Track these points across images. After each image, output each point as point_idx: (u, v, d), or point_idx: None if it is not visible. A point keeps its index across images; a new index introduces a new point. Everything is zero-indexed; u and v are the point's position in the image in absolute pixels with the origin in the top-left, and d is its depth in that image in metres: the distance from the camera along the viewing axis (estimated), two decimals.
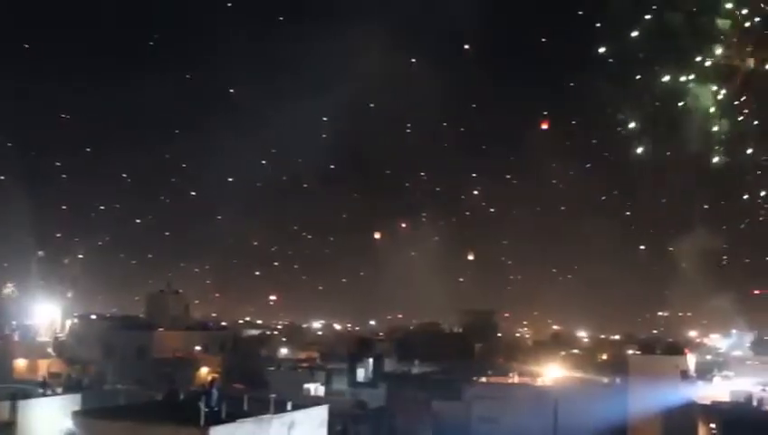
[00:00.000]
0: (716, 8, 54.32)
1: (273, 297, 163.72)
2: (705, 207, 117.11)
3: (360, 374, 79.82)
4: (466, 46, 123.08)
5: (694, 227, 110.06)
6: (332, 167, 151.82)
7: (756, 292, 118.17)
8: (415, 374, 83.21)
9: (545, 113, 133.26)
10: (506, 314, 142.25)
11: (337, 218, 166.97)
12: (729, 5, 54.03)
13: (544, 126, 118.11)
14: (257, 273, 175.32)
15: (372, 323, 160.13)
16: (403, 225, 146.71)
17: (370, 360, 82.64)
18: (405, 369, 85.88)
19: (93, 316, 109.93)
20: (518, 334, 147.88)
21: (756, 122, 61.12)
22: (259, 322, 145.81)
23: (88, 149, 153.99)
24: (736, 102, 60.60)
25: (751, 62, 59.71)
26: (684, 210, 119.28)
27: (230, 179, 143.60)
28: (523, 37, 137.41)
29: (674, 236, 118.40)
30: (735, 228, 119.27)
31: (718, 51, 58.26)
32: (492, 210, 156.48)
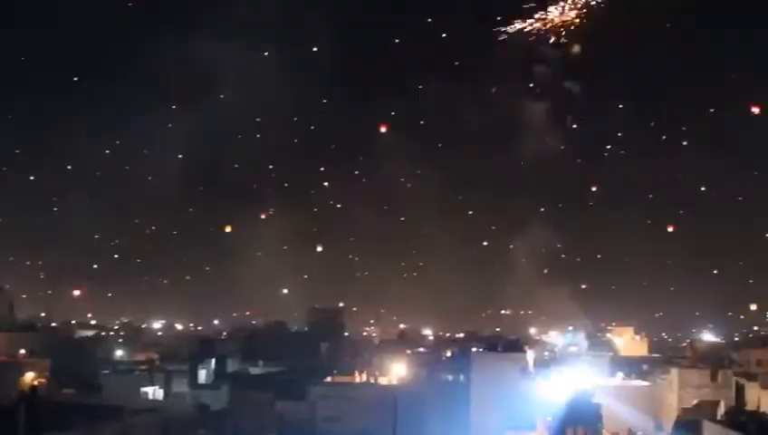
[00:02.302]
0: None
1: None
2: (542, 209, 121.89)
3: (202, 376, 77.98)
4: (315, 49, 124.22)
5: (532, 226, 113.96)
6: (180, 157, 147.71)
7: (583, 286, 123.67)
8: (259, 375, 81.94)
9: (393, 113, 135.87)
10: (354, 309, 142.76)
11: (182, 213, 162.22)
12: None
13: (383, 128, 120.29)
14: (95, 267, 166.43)
15: (216, 322, 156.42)
16: (250, 220, 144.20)
17: (212, 360, 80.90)
18: (249, 369, 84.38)
19: None
20: (365, 333, 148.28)
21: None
22: (94, 322, 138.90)
23: None
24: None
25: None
26: (523, 210, 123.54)
27: (69, 167, 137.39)
28: (376, 39, 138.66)
29: (514, 236, 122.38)
30: (570, 228, 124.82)
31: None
32: (339, 206, 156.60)
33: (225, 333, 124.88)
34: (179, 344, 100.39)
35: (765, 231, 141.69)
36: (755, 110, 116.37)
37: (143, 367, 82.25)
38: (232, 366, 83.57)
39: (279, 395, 67.64)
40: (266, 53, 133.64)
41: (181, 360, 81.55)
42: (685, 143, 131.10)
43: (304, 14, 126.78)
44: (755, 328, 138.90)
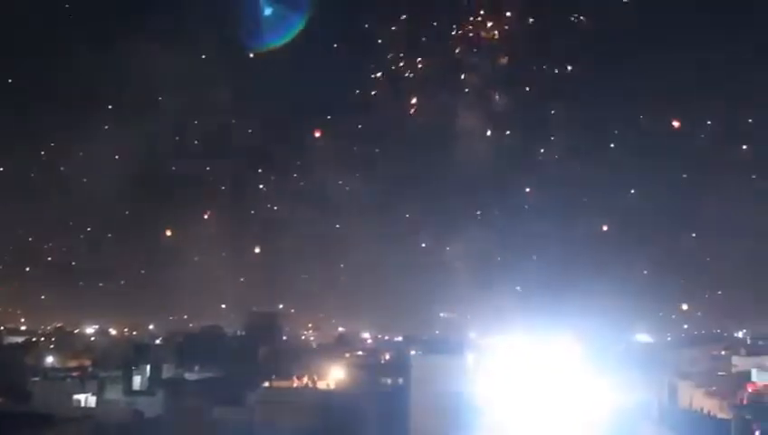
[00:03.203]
0: None
1: None
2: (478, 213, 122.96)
3: (137, 382, 76.99)
4: (251, 55, 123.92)
5: (469, 229, 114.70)
6: (116, 158, 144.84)
7: (518, 288, 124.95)
8: (195, 380, 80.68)
9: (329, 117, 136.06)
10: (292, 310, 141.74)
11: (118, 215, 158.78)
12: None
13: (317, 133, 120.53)
14: (27, 270, 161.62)
15: (151, 327, 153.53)
16: (187, 223, 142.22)
17: (147, 366, 79.75)
18: (185, 375, 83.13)
19: None
20: (303, 337, 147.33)
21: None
22: (24, 328, 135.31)
23: None
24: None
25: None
26: (460, 213, 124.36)
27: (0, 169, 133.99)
28: (313, 41, 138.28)
29: (451, 239, 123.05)
30: (506, 231, 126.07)
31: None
32: (276, 209, 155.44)
33: (160, 339, 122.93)
34: (113, 350, 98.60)
35: (693, 231, 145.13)
36: (675, 124, 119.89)
37: (75, 374, 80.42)
38: (167, 372, 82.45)
39: (216, 401, 66.91)
40: (204, 56, 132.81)
41: (115, 366, 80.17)
42: (612, 145, 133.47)
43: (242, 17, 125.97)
44: (685, 326, 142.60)
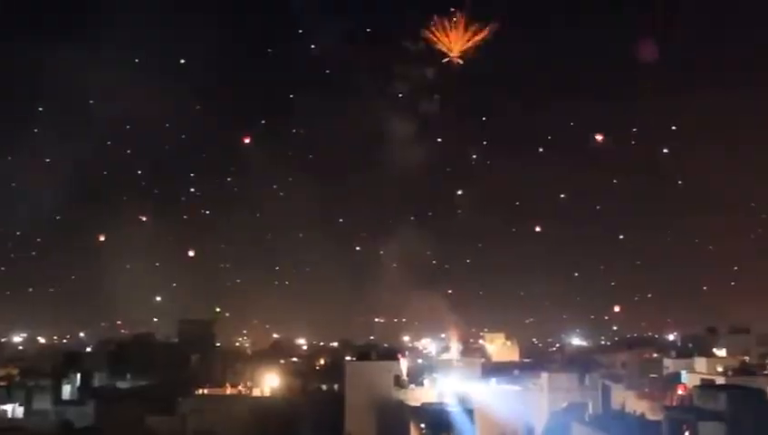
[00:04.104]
0: None
1: None
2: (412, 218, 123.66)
3: (66, 391, 75.59)
4: (182, 61, 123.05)
5: (402, 233, 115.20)
6: (47, 163, 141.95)
7: (449, 291, 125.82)
8: (127, 389, 79.72)
9: (263, 123, 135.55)
10: (227, 314, 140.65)
11: (49, 221, 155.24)
12: None
13: (247, 140, 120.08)
14: None
15: (82, 335, 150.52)
16: (119, 228, 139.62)
17: (78, 375, 78.36)
18: (116, 384, 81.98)
19: None
20: (237, 344, 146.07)
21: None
22: None
23: None
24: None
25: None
26: (394, 218, 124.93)
27: None
28: (249, 50, 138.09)
29: (384, 243, 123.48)
30: (440, 235, 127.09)
31: None
32: (209, 214, 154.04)
33: (91, 346, 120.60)
34: (42, 358, 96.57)
35: (621, 233, 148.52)
36: (599, 137, 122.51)
37: (1, 383, 78.36)
38: (98, 381, 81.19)
39: (148, 410, 66.20)
40: (137, 60, 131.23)
41: (44, 375, 78.31)
42: (540, 150, 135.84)
43: (175, 25, 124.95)
44: (614, 328, 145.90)
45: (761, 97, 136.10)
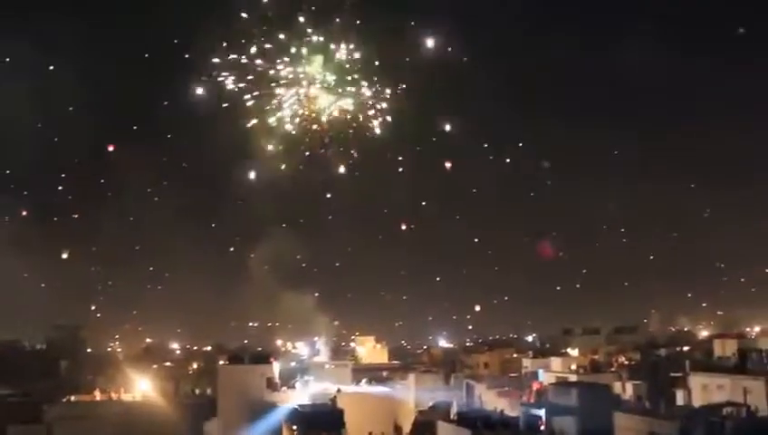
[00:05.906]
0: None
1: None
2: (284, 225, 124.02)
3: None
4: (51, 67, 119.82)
5: (273, 237, 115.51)
6: None
7: (316, 294, 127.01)
8: None
9: (135, 127, 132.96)
10: (98, 315, 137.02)
11: None
12: None
13: (111, 148, 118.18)
14: None
15: None
16: None
17: None
18: None
19: None
20: (109, 348, 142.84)
21: None
22: None
23: None
24: None
25: None
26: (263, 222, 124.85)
27: None
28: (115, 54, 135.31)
29: (255, 246, 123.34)
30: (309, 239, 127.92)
31: None
32: (77, 217, 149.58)
33: None
34: None
35: (476, 236, 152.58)
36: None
37: None
38: None
39: (11, 419, 64.43)
40: (8, 59, 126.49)
41: None
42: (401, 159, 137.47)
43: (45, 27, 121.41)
44: (469, 327, 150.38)
45: None
